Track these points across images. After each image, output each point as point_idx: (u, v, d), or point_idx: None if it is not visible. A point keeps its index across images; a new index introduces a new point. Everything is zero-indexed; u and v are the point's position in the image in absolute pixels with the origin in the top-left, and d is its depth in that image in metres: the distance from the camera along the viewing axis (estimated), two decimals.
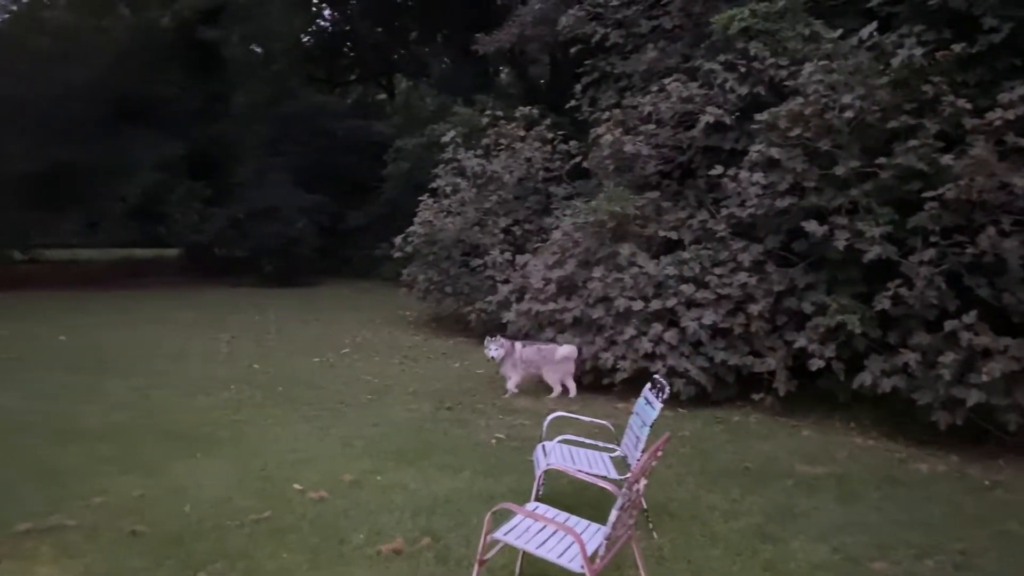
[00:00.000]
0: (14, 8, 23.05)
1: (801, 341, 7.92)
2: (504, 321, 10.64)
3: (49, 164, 19.31)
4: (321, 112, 25.55)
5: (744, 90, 9.36)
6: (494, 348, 8.89)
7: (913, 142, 7.45)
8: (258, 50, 26.40)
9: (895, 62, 7.73)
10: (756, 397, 8.22)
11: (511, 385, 9.04)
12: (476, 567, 3.92)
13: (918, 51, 7.64)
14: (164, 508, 5.16)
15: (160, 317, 14.80)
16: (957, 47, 7.60)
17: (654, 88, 10.29)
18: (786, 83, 8.81)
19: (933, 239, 7.28)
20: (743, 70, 9.39)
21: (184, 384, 8.94)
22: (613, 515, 3.56)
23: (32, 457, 6.17)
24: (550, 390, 8.95)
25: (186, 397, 8.38)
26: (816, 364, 7.74)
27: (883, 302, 7.39)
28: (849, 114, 7.84)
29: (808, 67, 8.27)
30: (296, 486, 5.60)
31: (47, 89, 19.09)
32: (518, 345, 9.03)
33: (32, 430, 6.94)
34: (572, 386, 8.90)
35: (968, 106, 7.39)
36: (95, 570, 4.27)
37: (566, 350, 8.88)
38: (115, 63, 20.93)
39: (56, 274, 23.22)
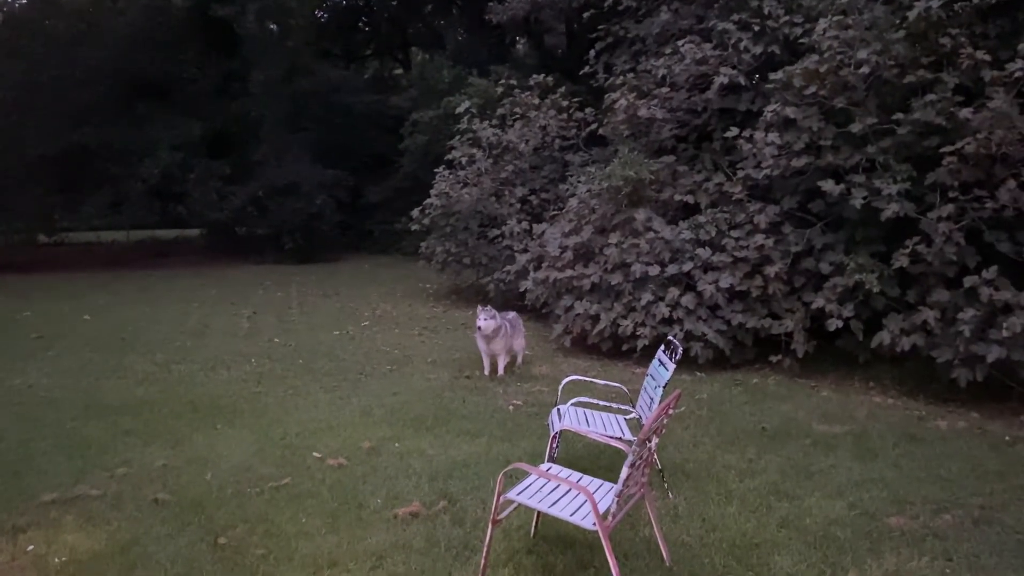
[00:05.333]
0: None
1: (819, 302, 7.86)
2: (522, 290, 10.65)
3: (69, 147, 19.58)
4: (338, 88, 25.41)
5: (758, 49, 9.23)
6: (484, 317, 7.80)
7: (931, 96, 7.32)
8: (273, 27, 26.29)
9: (912, 15, 7.55)
10: (774, 359, 8.17)
11: (503, 363, 8.27)
12: (490, 527, 3.95)
13: (935, 3, 7.45)
14: (186, 477, 5.26)
15: (182, 296, 14.94)
16: None
17: (668, 51, 10.18)
18: (801, 40, 8.69)
19: (952, 195, 7.18)
20: (757, 29, 9.26)
21: (205, 359, 9.06)
22: (624, 472, 3.57)
23: (57, 431, 6.30)
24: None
25: (207, 371, 8.49)
26: (834, 324, 7.68)
27: (901, 260, 7.31)
28: (865, 70, 7.69)
29: (822, 23, 8.12)
30: (315, 454, 5.68)
31: (65, 72, 19.28)
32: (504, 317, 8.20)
33: (57, 405, 7.09)
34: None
35: (987, 58, 7.23)
36: (119, 537, 4.36)
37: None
38: (131, 44, 21.05)
39: (80, 256, 23.58)
